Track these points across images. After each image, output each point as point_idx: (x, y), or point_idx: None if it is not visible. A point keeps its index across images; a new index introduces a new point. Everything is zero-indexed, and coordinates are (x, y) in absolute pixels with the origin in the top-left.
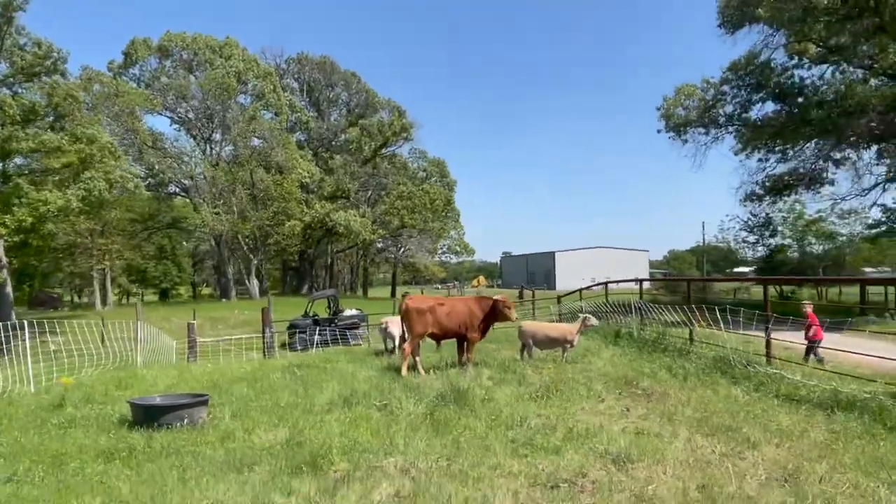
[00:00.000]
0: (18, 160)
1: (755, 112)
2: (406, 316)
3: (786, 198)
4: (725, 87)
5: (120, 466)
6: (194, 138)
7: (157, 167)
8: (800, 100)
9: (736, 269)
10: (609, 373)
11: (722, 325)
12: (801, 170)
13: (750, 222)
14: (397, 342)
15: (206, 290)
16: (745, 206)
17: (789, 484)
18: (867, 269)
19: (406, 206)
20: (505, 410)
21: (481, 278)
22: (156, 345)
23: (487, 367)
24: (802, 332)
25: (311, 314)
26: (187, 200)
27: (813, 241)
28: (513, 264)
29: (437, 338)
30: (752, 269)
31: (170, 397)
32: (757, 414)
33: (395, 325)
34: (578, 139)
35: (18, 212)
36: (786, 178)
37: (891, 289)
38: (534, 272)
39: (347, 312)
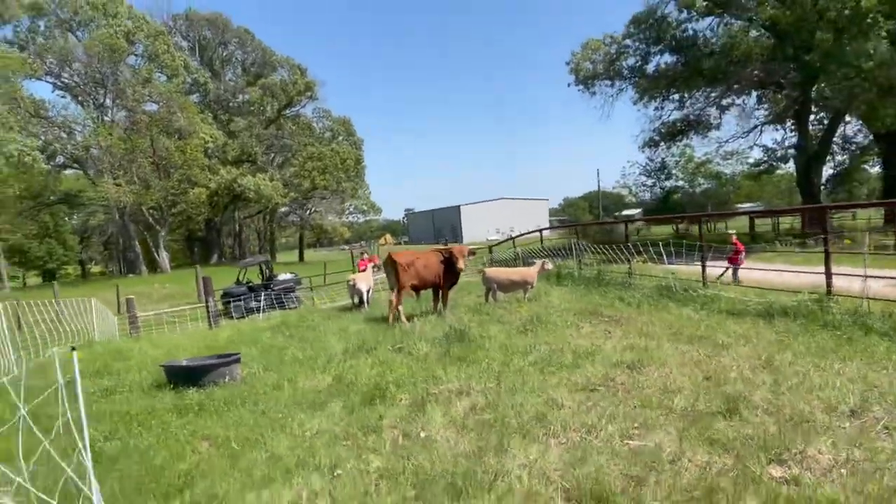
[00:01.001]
0: None
1: (654, 64)
2: (393, 269)
3: (678, 143)
4: (628, 41)
5: (202, 418)
6: (82, 105)
7: (43, 138)
8: (693, 52)
9: (625, 212)
10: (570, 307)
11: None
12: (692, 116)
13: (647, 167)
14: (365, 297)
15: (95, 269)
16: (643, 151)
17: (768, 369)
18: (744, 205)
19: (317, 167)
20: (508, 343)
21: (388, 236)
22: (104, 321)
23: (462, 312)
24: (725, 260)
25: (243, 281)
26: (80, 173)
27: (702, 181)
28: (418, 220)
29: (417, 289)
30: (637, 211)
31: (201, 359)
32: (713, 326)
33: (362, 282)
34: (480, 93)
35: None
36: (678, 124)
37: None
38: (440, 227)
39: (282, 276)
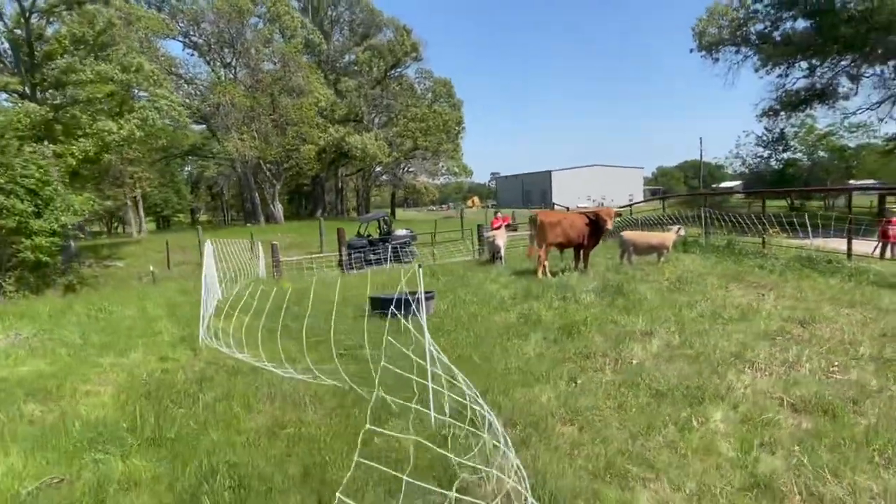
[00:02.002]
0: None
1: (782, 29)
2: (540, 228)
3: (801, 112)
4: (758, 6)
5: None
6: (209, 64)
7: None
8: (830, 17)
9: (723, 184)
10: (709, 272)
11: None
12: (819, 85)
13: (764, 137)
14: (503, 252)
15: (203, 217)
16: (760, 121)
17: None
18: (866, 182)
19: (420, 127)
20: (664, 298)
21: (475, 199)
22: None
23: (604, 271)
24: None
25: (364, 235)
26: (202, 128)
27: (822, 154)
28: (507, 184)
29: (562, 246)
30: (737, 183)
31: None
32: (866, 294)
33: (500, 238)
34: (570, 60)
35: (85, 142)
36: (803, 93)
37: None
38: (529, 191)
39: (398, 232)
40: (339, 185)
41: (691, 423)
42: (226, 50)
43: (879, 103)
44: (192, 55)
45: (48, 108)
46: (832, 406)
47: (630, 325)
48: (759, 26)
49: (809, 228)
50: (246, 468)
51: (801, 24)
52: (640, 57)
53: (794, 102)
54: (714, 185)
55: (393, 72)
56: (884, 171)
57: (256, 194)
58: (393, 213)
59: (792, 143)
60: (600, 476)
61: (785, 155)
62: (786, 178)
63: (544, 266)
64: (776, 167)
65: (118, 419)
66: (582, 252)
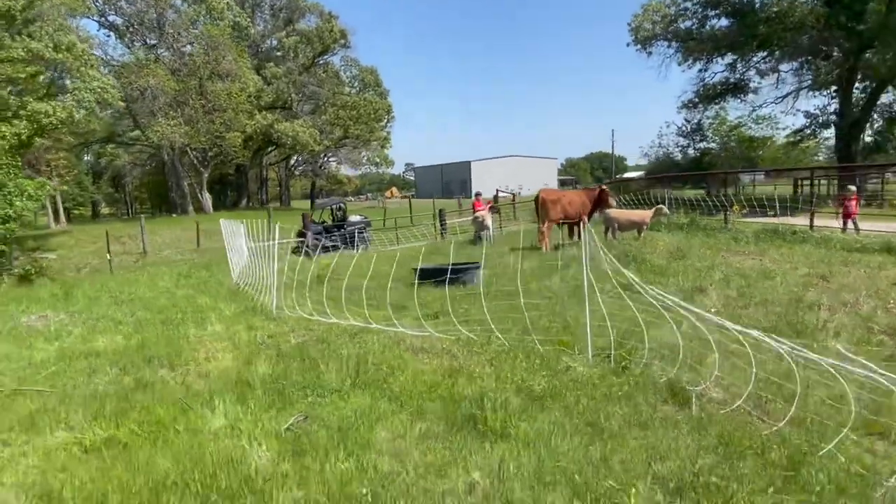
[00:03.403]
0: None
1: (708, 26)
2: (543, 205)
3: (715, 105)
4: (687, 3)
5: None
6: (126, 45)
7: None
8: (751, 17)
9: (626, 175)
10: (692, 244)
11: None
12: (732, 80)
13: (684, 128)
14: (491, 232)
15: (105, 210)
16: (680, 112)
17: None
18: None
19: (350, 115)
20: (677, 265)
21: (394, 189)
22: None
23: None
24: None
25: (318, 222)
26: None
27: (734, 144)
28: (426, 175)
29: (561, 222)
30: (640, 173)
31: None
32: (846, 256)
33: (488, 218)
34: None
35: (19, 124)
36: (718, 86)
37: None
38: (449, 181)
39: (353, 218)
40: (264, 174)
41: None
42: (147, 32)
43: (783, 97)
44: (109, 36)
45: None
46: None
47: (676, 285)
48: (688, 23)
49: (778, 206)
50: (474, 399)
51: (724, 22)
52: (551, 50)
53: (710, 95)
54: (618, 175)
55: (319, 59)
56: (786, 161)
57: (185, 184)
58: (312, 204)
59: (707, 134)
60: None
61: (702, 144)
62: (701, 166)
63: (546, 241)
64: (693, 156)
65: (279, 373)
66: (576, 228)
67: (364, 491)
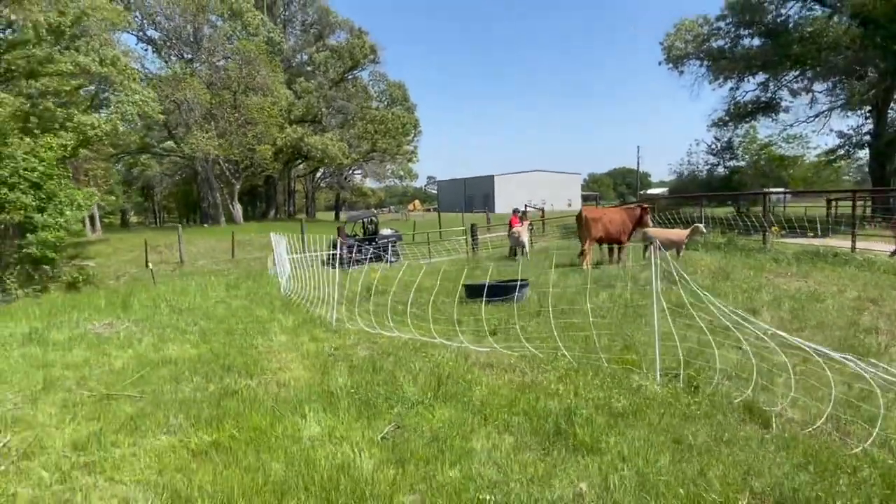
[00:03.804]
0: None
1: (741, 46)
2: (585, 224)
3: (745, 123)
4: (720, 24)
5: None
6: (163, 59)
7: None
8: (784, 37)
9: (649, 191)
10: (732, 264)
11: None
12: (763, 99)
13: (713, 147)
14: (527, 248)
15: (133, 219)
16: (710, 130)
17: None
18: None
19: (379, 129)
20: (722, 286)
21: (416, 202)
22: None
23: (637, 265)
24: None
25: (350, 234)
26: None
27: (763, 162)
28: (449, 188)
29: (602, 241)
30: (663, 190)
31: (502, 282)
32: (888, 277)
33: (525, 234)
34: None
35: (66, 135)
36: (749, 105)
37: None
38: (472, 195)
39: (384, 232)
40: (291, 185)
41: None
42: (184, 46)
43: (816, 116)
44: (146, 50)
45: (24, 99)
46: None
47: (731, 303)
48: (721, 42)
49: (819, 228)
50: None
51: (757, 41)
52: (575, 68)
53: (741, 114)
54: (641, 192)
55: (349, 74)
56: (816, 181)
57: (218, 194)
58: (336, 215)
59: (737, 152)
60: None
61: (731, 162)
62: (731, 185)
63: (588, 259)
64: (723, 174)
65: (358, 384)
66: (617, 247)
67: (486, 497)
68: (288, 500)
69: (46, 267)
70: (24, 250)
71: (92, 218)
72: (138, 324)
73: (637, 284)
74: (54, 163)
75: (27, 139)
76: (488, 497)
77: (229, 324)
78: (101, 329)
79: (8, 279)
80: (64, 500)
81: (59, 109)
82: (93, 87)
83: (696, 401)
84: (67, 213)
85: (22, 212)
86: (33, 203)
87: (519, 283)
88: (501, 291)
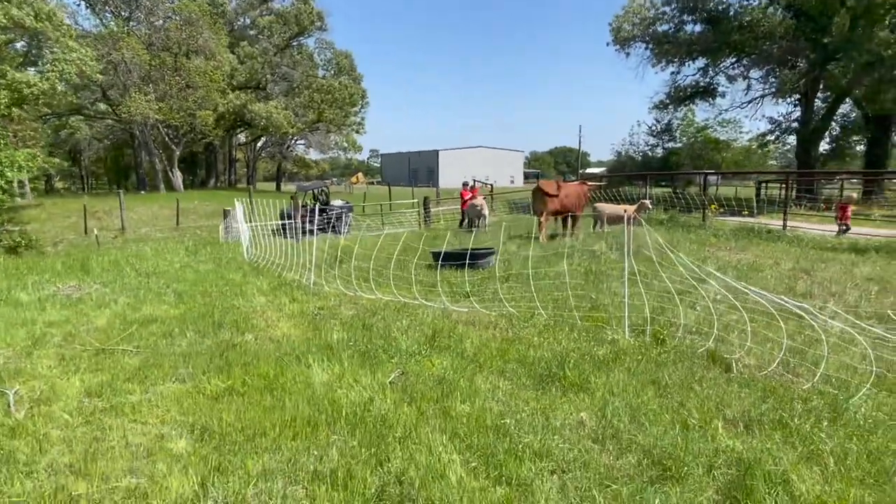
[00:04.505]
0: None
1: (684, 31)
2: (541, 197)
3: (684, 107)
4: (665, 8)
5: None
6: (98, 16)
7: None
8: (725, 24)
9: (588, 170)
10: (675, 238)
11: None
12: (702, 83)
13: (653, 128)
14: (488, 220)
15: (59, 184)
16: (651, 112)
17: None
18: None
19: (325, 99)
20: (667, 257)
21: (360, 175)
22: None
23: (587, 237)
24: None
25: (302, 204)
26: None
27: (699, 145)
28: (393, 161)
29: (558, 213)
30: (601, 169)
31: (466, 250)
32: (820, 254)
33: (486, 207)
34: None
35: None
36: (688, 89)
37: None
38: (416, 169)
39: (335, 203)
40: (232, 154)
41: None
42: (121, 3)
43: (749, 102)
44: (79, 5)
45: None
46: None
47: (678, 276)
48: (665, 26)
49: (752, 207)
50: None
51: (699, 28)
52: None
53: (681, 97)
54: (581, 171)
55: (294, 40)
56: (747, 164)
57: (156, 160)
58: (278, 186)
59: (675, 134)
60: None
61: (670, 144)
62: (668, 165)
63: (544, 231)
64: (662, 154)
65: (354, 339)
66: (572, 219)
67: (504, 421)
68: (321, 431)
69: None
70: None
71: (21, 182)
72: (106, 286)
73: (594, 255)
74: None
75: None
76: (505, 422)
77: (203, 286)
78: (69, 290)
79: None
80: (94, 437)
81: None
82: (23, 43)
83: (665, 351)
84: (8, 174)
85: None
86: None
87: (484, 251)
88: (469, 258)
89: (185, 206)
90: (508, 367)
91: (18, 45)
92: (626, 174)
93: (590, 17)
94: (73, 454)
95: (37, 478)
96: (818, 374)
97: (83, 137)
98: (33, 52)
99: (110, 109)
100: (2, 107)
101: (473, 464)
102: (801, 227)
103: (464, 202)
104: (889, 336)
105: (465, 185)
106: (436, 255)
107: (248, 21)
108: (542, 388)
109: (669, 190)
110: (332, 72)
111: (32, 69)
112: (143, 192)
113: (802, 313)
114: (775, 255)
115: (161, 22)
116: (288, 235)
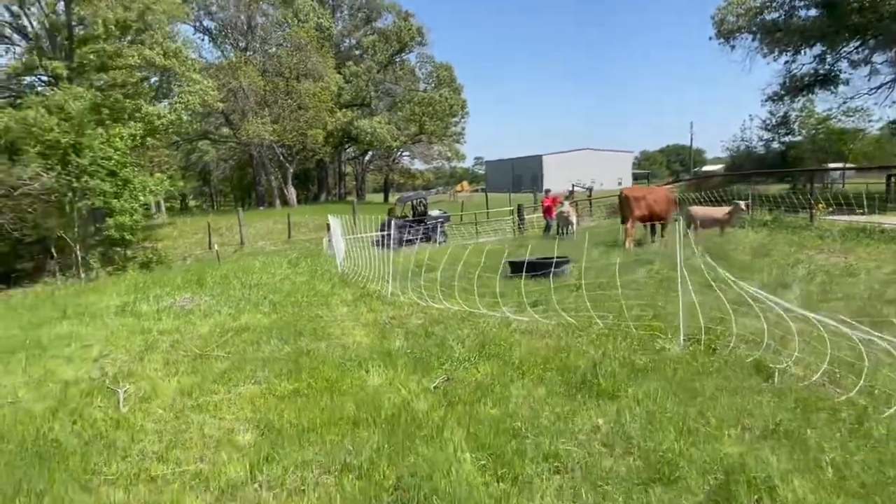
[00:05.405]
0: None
1: (796, 17)
2: (626, 203)
3: (802, 97)
4: None
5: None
6: (219, 48)
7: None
8: (842, 7)
9: (704, 168)
10: (776, 241)
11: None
12: (822, 71)
13: (768, 122)
14: (575, 227)
15: (192, 202)
16: (765, 105)
17: None
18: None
19: (426, 111)
20: (759, 262)
21: (465, 183)
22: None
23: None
24: None
25: (401, 215)
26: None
27: (822, 137)
28: (497, 168)
29: (645, 220)
30: (719, 167)
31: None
32: None
33: (573, 214)
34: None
35: (135, 125)
36: (806, 78)
37: None
38: (520, 175)
39: (433, 213)
40: (342, 168)
41: None
42: (238, 35)
43: (878, 88)
44: (202, 40)
45: (96, 92)
46: None
47: (760, 281)
48: (774, 14)
49: (865, 204)
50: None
51: (813, 12)
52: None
53: (797, 87)
54: (696, 169)
55: (396, 57)
56: (879, 155)
57: (272, 178)
58: (385, 197)
59: (793, 127)
60: None
61: (787, 138)
62: (787, 161)
63: (630, 237)
64: (778, 149)
65: (412, 346)
66: (661, 225)
67: (516, 424)
68: (361, 429)
69: (122, 249)
70: (104, 233)
71: (158, 203)
72: (214, 297)
73: (674, 261)
74: (127, 151)
75: (100, 130)
76: (521, 425)
77: (295, 297)
78: (184, 302)
79: (91, 259)
80: (179, 430)
81: (127, 100)
82: (156, 79)
83: (712, 360)
84: (141, 198)
85: (101, 198)
86: (111, 189)
87: (558, 260)
88: (543, 267)
89: (297, 220)
90: (547, 374)
91: (153, 79)
92: (730, 174)
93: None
94: (160, 443)
95: (128, 461)
96: (857, 386)
97: (211, 159)
98: (164, 86)
99: (232, 133)
100: (137, 138)
101: (483, 462)
102: None
103: (546, 210)
104: None
105: (546, 192)
106: (512, 266)
107: (353, 42)
108: (573, 394)
109: (788, 188)
110: (433, 84)
111: (164, 101)
112: (261, 208)
113: (846, 329)
114: (881, 258)
115: (273, 49)
116: (386, 246)
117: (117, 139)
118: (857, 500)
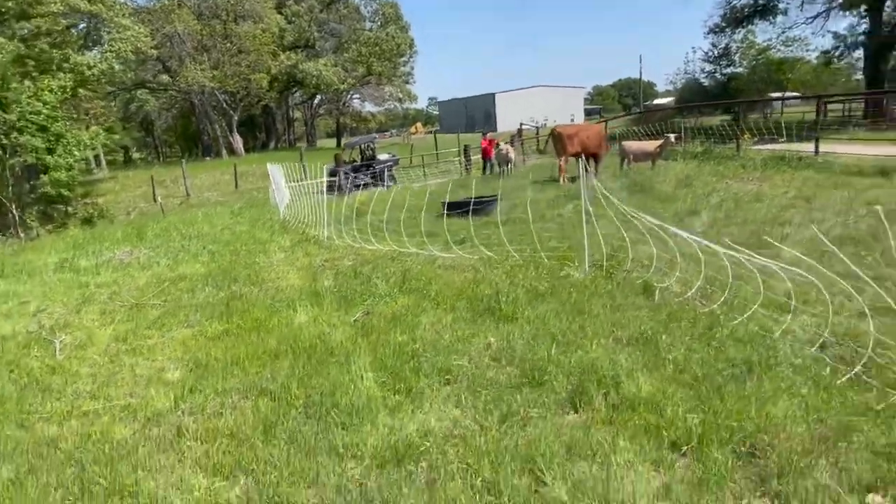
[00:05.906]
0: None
1: None
2: (559, 140)
3: (742, 28)
4: None
5: (519, 225)
6: None
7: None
8: None
9: (655, 101)
10: (701, 172)
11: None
12: (760, 1)
13: (710, 53)
14: (513, 164)
15: (135, 155)
16: (707, 37)
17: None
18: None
19: (373, 52)
20: (680, 192)
21: (418, 125)
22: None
23: (608, 176)
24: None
25: (349, 160)
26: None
27: (762, 67)
28: (450, 108)
29: (578, 155)
30: (669, 100)
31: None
32: (840, 180)
33: (512, 152)
34: None
35: (64, 77)
36: (745, 9)
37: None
38: (473, 115)
39: (381, 157)
40: (290, 114)
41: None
42: None
43: (814, 18)
44: None
45: (18, 43)
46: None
47: (675, 210)
48: None
49: (787, 133)
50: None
51: None
52: None
53: (738, 18)
54: (646, 103)
55: None
56: (816, 84)
57: (217, 127)
58: (338, 143)
59: (734, 58)
60: None
61: (729, 69)
62: (728, 92)
63: (564, 174)
64: (721, 81)
65: (340, 285)
66: (594, 160)
67: (416, 346)
68: (281, 359)
69: (61, 206)
70: (39, 190)
71: (97, 157)
72: (154, 250)
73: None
74: (57, 104)
75: (27, 83)
76: (422, 347)
77: (234, 246)
78: (123, 256)
79: (28, 218)
80: (113, 372)
81: (54, 50)
82: (83, 26)
83: (606, 283)
84: (76, 152)
85: (33, 154)
86: (43, 145)
87: (486, 199)
88: (473, 205)
89: (244, 169)
90: (459, 303)
91: (80, 27)
92: (673, 107)
93: None
94: (93, 384)
95: (63, 401)
96: (721, 300)
97: (152, 109)
98: (93, 34)
99: (170, 80)
100: (67, 90)
101: (384, 380)
102: (836, 151)
103: (484, 151)
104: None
105: (483, 135)
106: (444, 205)
107: None
108: (477, 319)
109: (729, 119)
110: (379, 23)
111: (94, 50)
112: (207, 158)
113: (721, 250)
114: (792, 184)
115: None
116: (332, 192)
117: (46, 92)
118: (685, 388)
